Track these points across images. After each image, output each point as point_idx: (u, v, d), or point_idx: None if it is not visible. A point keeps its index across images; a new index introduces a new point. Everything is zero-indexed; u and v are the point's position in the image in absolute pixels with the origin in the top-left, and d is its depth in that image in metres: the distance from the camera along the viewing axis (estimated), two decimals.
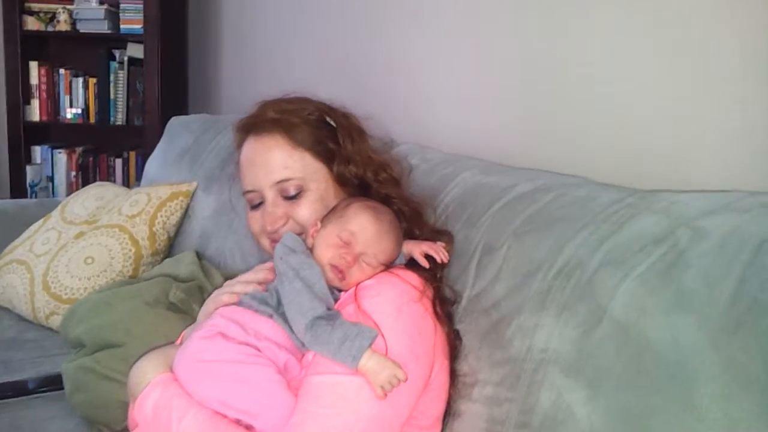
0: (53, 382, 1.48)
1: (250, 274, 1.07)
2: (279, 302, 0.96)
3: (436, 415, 0.99)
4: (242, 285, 1.05)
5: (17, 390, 1.48)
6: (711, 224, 0.82)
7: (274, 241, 1.05)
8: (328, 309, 0.91)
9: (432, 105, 1.69)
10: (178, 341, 1.09)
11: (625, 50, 1.19)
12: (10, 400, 1.45)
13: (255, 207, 1.10)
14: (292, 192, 1.06)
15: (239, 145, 1.14)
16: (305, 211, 1.05)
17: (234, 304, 1.00)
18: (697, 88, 1.08)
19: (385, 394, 0.85)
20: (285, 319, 0.94)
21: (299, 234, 1.04)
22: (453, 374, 1.01)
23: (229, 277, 1.53)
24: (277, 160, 1.06)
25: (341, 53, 2.09)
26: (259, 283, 1.04)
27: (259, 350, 0.92)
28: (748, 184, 0.94)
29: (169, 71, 2.92)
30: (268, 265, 1.06)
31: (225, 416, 0.88)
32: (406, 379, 0.86)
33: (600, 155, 1.23)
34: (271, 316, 0.95)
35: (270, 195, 1.07)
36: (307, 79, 2.22)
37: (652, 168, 1.13)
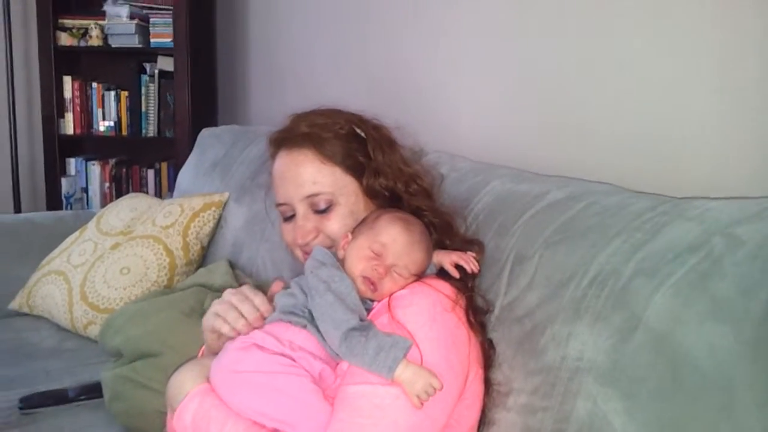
0: (93, 391, 1.51)
1: (248, 308, 1.01)
2: (312, 313, 0.97)
3: (471, 423, 1.00)
4: (235, 315, 1.00)
5: (58, 398, 1.50)
6: (746, 232, 0.81)
7: (306, 254, 1.07)
8: (361, 320, 0.92)
9: (460, 112, 1.70)
10: (200, 354, 1.10)
11: (657, 54, 1.19)
12: (51, 408, 1.48)
13: (287, 219, 1.12)
14: (322, 206, 1.07)
15: (272, 157, 1.15)
16: (335, 225, 1.07)
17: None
18: (723, 93, 1.08)
19: (422, 404, 0.86)
20: (318, 329, 0.95)
21: (329, 247, 1.05)
22: (487, 383, 1.01)
23: (261, 285, 1.56)
24: (307, 175, 1.08)
25: (368, 62, 2.10)
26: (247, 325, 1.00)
27: (294, 360, 0.93)
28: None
29: (199, 83, 2.96)
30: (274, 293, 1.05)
31: (263, 426, 0.90)
32: (442, 388, 0.87)
33: (632, 161, 1.22)
34: (305, 327, 0.96)
35: (301, 209, 1.08)
36: (334, 90, 2.24)
37: (685, 174, 1.13)
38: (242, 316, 0.99)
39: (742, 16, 1.04)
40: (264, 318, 1.00)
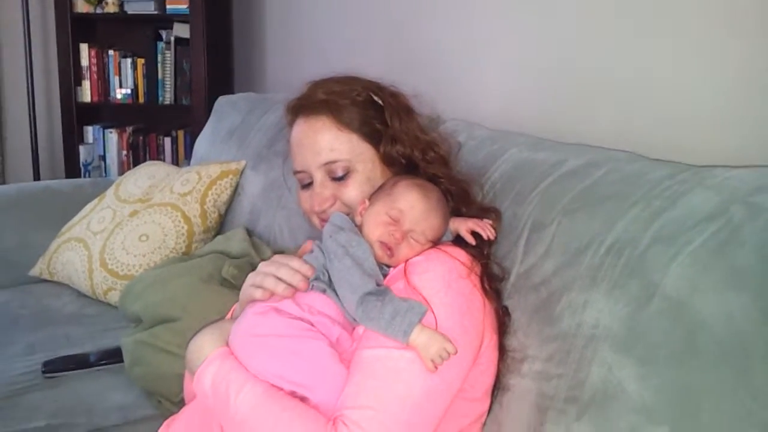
0: (113, 356, 1.53)
1: (286, 270, 1.00)
2: (330, 279, 0.98)
3: (485, 388, 1.01)
4: (274, 282, 0.99)
5: (79, 363, 1.53)
6: (765, 200, 0.80)
7: (323, 221, 1.07)
8: (378, 285, 0.93)
9: (479, 80, 1.68)
10: (229, 315, 1.12)
11: (667, 24, 1.17)
12: (73, 372, 1.50)
13: (305, 186, 1.12)
14: (340, 173, 1.07)
15: (290, 124, 1.15)
16: (352, 192, 1.07)
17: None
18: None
19: (436, 367, 0.87)
20: (337, 294, 0.96)
21: (347, 214, 1.05)
22: (502, 349, 1.02)
23: (278, 252, 1.57)
24: (324, 142, 1.07)
25: (386, 29, 2.08)
26: (288, 287, 0.98)
27: (312, 324, 0.94)
28: None
29: (215, 50, 2.95)
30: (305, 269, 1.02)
31: (280, 389, 0.91)
32: (456, 353, 0.87)
33: (649, 129, 1.21)
34: (324, 291, 0.97)
35: (318, 176, 1.09)
36: (352, 57, 2.22)
37: (706, 142, 1.12)
38: (281, 280, 0.98)
39: None
40: (307, 278, 0.98)
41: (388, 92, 1.14)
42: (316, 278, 0.98)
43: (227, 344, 0.99)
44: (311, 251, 1.03)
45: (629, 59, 1.26)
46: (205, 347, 0.98)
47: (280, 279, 0.98)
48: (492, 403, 1.03)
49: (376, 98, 1.11)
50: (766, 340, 0.71)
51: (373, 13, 2.15)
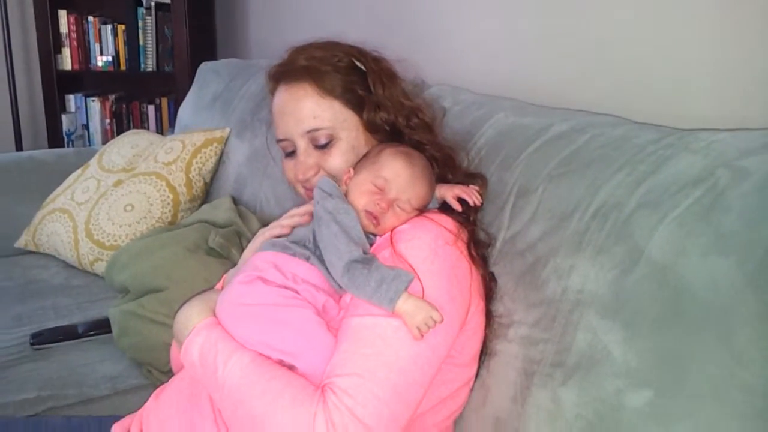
0: (102, 326, 1.53)
1: (286, 219, 1.09)
2: (316, 245, 0.97)
3: (473, 354, 1.01)
4: (289, 218, 1.07)
5: (68, 334, 1.53)
6: (752, 164, 0.80)
7: (308, 189, 1.07)
8: (364, 253, 0.93)
9: (461, 45, 1.66)
10: (219, 285, 1.11)
11: None
12: (62, 343, 1.50)
13: (288, 155, 1.11)
14: (323, 141, 1.06)
15: (271, 92, 1.14)
16: (336, 160, 1.06)
17: (272, 248, 1.01)
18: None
19: (422, 335, 0.87)
20: (322, 261, 0.95)
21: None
22: (489, 315, 1.02)
23: (265, 221, 1.56)
24: (307, 110, 1.06)
25: None
26: (303, 216, 1.07)
27: (297, 293, 0.94)
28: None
29: (197, 16, 2.90)
30: (302, 209, 1.08)
31: (268, 357, 0.91)
32: (442, 320, 0.88)
33: (634, 93, 1.20)
34: (308, 259, 0.97)
35: (301, 144, 1.07)
36: (335, 21, 2.19)
37: (690, 106, 1.11)
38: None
39: None
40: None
41: (370, 57, 1.12)
42: (301, 246, 0.98)
43: (214, 314, 0.99)
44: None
45: (617, 22, 1.24)
46: (192, 318, 0.98)
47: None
48: (479, 368, 1.03)
49: (358, 64, 1.10)
50: (749, 304, 0.71)
51: None
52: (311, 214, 1.03)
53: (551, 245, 0.96)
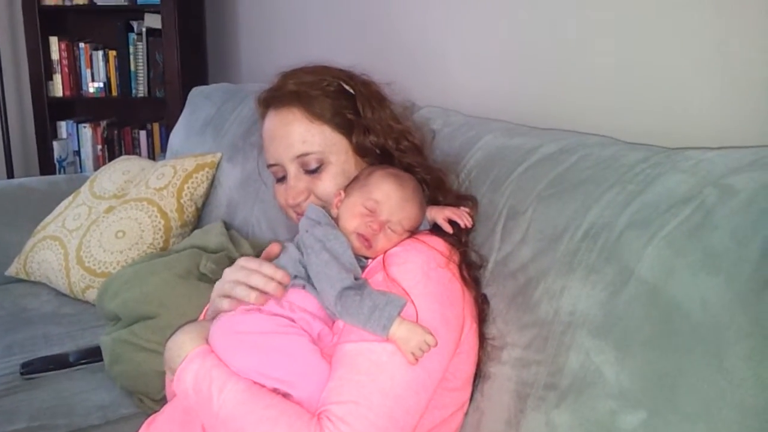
0: (93, 354, 1.52)
1: (258, 276, 0.97)
2: (308, 274, 0.97)
3: (466, 377, 1.01)
4: (245, 290, 0.96)
5: (59, 363, 1.51)
6: (739, 181, 0.80)
7: (299, 214, 1.07)
8: (356, 279, 0.92)
9: (453, 65, 1.67)
10: (202, 316, 1.10)
11: (645, 6, 1.17)
12: (53, 372, 1.49)
13: (279, 180, 1.11)
14: (313, 165, 1.06)
15: (261, 117, 1.14)
16: (327, 185, 1.06)
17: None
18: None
19: (417, 360, 0.87)
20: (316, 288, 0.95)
21: (322, 207, 1.04)
22: (482, 337, 1.02)
23: (256, 246, 1.56)
24: (296, 135, 1.06)
25: (359, 17, 2.06)
26: (261, 295, 0.96)
27: (293, 321, 0.93)
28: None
29: (188, 41, 2.92)
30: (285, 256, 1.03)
31: (263, 386, 0.90)
32: (436, 344, 0.87)
33: (622, 112, 1.21)
34: (303, 287, 0.96)
35: (291, 169, 1.08)
36: (325, 45, 2.20)
37: (677, 125, 1.12)
38: (253, 288, 0.95)
39: None
40: (283, 285, 0.96)
41: (359, 81, 1.13)
42: (294, 276, 0.98)
43: (207, 342, 0.98)
44: (283, 250, 1.02)
45: (604, 43, 1.25)
46: (185, 345, 0.97)
47: (252, 287, 0.95)
48: (473, 392, 1.03)
49: (347, 87, 1.10)
50: (740, 322, 0.71)
51: (347, 1, 2.12)
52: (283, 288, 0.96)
53: (542, 266, 0.96)
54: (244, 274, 0.97)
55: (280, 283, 0.95)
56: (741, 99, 1.04)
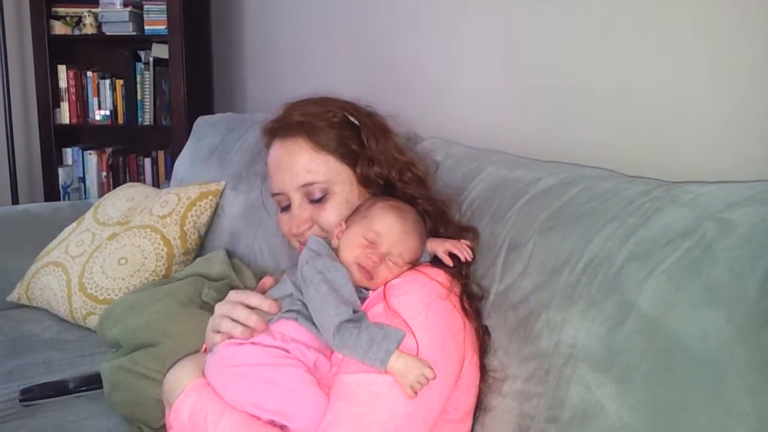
0: (93, 382, 1.51)
1: (240, 312, 0.99)
2: (304, 303, 0.97)
3: (467, 409, 1.00)
4: (230, 323, 0.98)
5: (58, 390, 1.50)
6: (738, 216, 0.81)
7: (302, 243, 1.07)
8: (355, 311, 0.92)
9: (454, 99, 1.69)
10: (203, 348, 1.10)
11: (645, 42, 1.19)
12: (52, 399, 1.48)
13: (284, 209, 1.12)
14: (317, 195, 1.07)
15: (267, 146, 1.15)
16: (330, 214, 1.07)
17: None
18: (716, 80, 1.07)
19: (416, 393, 0.86)
20: (310, 319, 0.95)
21: (324, 238, 1.05)
22: (483, 369, 1.02)
23: (259, 274, 1.56)
24: (301, 165, 1.07)
25: (364, 49, 2.09)
26: (246, 329, 0.98)
27: (288, 351, 0.93)
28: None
29: (194, 71, 2.95)
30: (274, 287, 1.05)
31: (258, 419, 0.90)
32: (435, 377, 0.87)
33: (628, 147, 1.22)
34: (296, 319, 0.96)
35: (296, 198, 1.08)
36: (330, 76, 2.23)
37: (676, 159, 1.13)
38: (237, 322, 0.97)
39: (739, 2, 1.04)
40: (266, 318, 0.97)
41: (364, 112, 1.14)
42: (288, 307, 0.98)
43: (204, 375, 0.98)
44: (279, 283, 1.03)
45: (608, 76, 1.27)
46: (182, 379, 0.98)
47: (235, 321, 0.97)
48: (474, 424, 1.02)
49: (352, 119, 1.12)
50: (740, 357, 0.71)
51: (351, 33, 2.16)
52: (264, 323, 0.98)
53: (543, 298, 0.96)
54: (228, 308, 0.99)
55: (268, 311, 0.97)
56: (738, 134, 1.05)
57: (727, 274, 0.77)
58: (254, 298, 0.99)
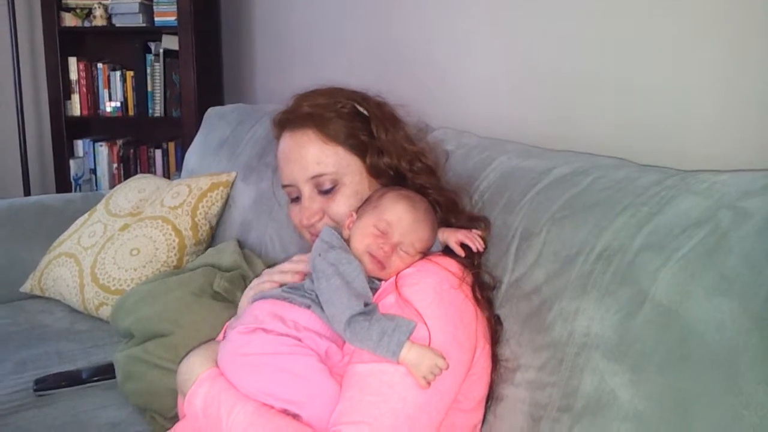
0: (106, 372, 1.52)
1: (288, 264, 1.09)
2: (317, 296, 0.97)
3: (479, 398, 1.00)
4: (280, 274, 1.07)
5: (71, 380, 1.51)
6: (753, 205, 0.80)
7: (313, 235, 1.07)
8: (366, 304, 0.92)
9: (468, 87, 1.68)
10: (221, 336, 1.11)
11: (654, 30, 1.18)
12: (65, 389, 1.49)
13: (294, 200, 1.12)
14: (327, 186, 1.07)
15: (276, 138, 1.15)
16: (340, 206, 1.07)
17: (272, 297, 1.01)
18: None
19: (429, 384, 0.86)
20: (323, 310, 0.95)
21: (335, 228, 1.05)
22: (495, 359, 1.02)
23: (270, 265, 1.56)
24: (311, 156, 1.07)
25: (374, 39, 2.08)
26: (296, 273, 1.06)
27: (300, 340, 0.93)
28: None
29: (204, 62, 2.95)
30: (294, 266, 1.08)
31: (271, 407, 0.90)
32: (448, 367, 0.87)
33: (639, 135, 1.21)
34: (309, 307, 0.96)
35: (306, 190, 1.08)
36: (340, 66, 2.22)
37: (693, 147, 1.12)
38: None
39: None
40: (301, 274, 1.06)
41: (373, 103, 1.14)
42: (298, 292, 0.98)
43: (217, 364, 0.98)
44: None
45: (618, 65, 1.26)
46: (195, 368, 0.98)
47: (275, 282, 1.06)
48: (486, 413, 1.02)
49: (361, 109, 1.11)
50: (755, 345, 0.70)
51: (360, 23, 2.15)
52: (304, 274, 1.05)
53: (556, 288, 0.96)
54: (267, 276, 1.09)
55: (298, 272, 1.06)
56: (747, 121, 1.04)
57: (742, 263, 0.76)
58: (286, 265, 1.09)
